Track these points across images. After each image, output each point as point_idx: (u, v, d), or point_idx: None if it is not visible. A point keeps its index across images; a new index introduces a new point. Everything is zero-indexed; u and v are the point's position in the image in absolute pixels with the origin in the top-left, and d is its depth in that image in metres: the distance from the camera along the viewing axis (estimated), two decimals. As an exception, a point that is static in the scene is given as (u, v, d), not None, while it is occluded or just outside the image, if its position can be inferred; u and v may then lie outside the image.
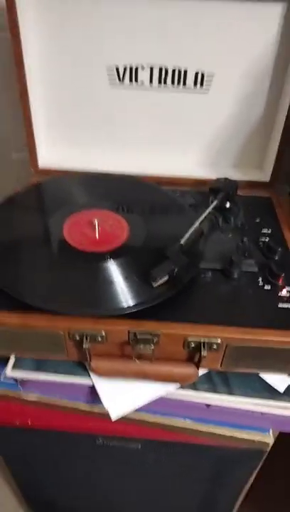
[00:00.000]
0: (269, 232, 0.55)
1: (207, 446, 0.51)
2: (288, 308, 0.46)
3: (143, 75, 0.60)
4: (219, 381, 0.48)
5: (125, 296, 0.43)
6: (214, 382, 0.48)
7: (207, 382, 0.48)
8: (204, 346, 0.43)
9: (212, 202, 0.56)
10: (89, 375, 0.47)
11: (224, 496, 0.64)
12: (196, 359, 0.45)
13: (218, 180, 0.59)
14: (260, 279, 0.48)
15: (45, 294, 0.44)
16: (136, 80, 0.60)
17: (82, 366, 0.49)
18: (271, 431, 0.49)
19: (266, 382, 0.48)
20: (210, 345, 0.43)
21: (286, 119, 0.60)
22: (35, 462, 0.63)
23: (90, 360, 0.45)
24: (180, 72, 0.60)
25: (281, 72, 0.59)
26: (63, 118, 0.65)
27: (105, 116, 0.64)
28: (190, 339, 0.43)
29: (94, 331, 0.43)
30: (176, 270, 0.44)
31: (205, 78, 0.60)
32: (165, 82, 0.61)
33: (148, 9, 0.54)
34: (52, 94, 0.63)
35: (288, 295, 0.47)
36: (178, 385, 0.47)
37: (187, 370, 0.45)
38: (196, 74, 0.60)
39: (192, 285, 0.46)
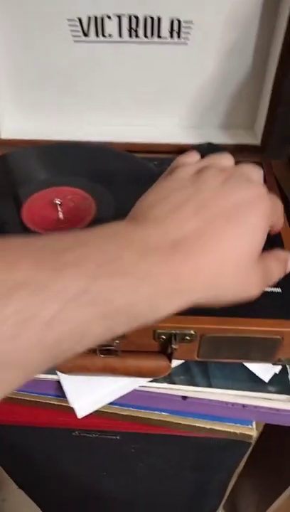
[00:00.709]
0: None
1: (189, 437, 0.48)
2: (271, 292, 0.41)
3: (111, 27, 0.52)
4: (197, 372, 0.44)
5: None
6: (192, 373, 0.44)
7: (185, 373, 0.44)
8: (175, 338, 0.39)
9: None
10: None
11: (213, 481, 0.62)
12: (169, 350, 0.41)
13: (199, 146, 0.53)
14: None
15: None
16: (103, 32, 0.53)
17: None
18: (254, 423, 0.46)
19: (250, 372, 0.44)
20: (182, 337, 0.39)
21: (276, 71, 0.52)
22: (13, 458, 0.61)
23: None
24: (153, 20, 0.52)
25: (270, 15, 0.50)
26: (26, 82, 0.58)
27: (71, 78, 0.57)
28: (159, 331, 0.39)
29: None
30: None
31: (183, 26, 0.52)
32: (136, 34, 0.53)
33: None
34: (13, 58, 0.55)
35: (272, 276, 0.42)
36: (149, 378, 0.43)
37: (158, 362, 0.41)
38: (171, 22, 0.52)
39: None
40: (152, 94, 0.58)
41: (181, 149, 0.58)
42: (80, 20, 0.52)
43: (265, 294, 0.41)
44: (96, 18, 0.52)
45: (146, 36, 0.53)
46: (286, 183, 0.61)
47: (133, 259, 0.23)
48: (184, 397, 0.44)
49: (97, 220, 0.45)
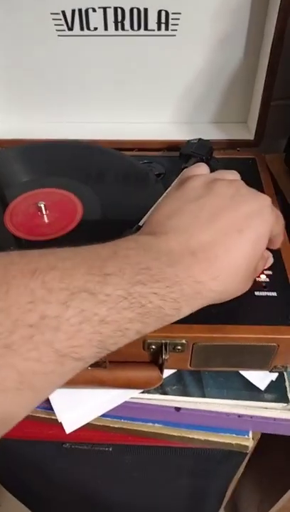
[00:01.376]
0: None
1: (184, 448, 0.46)
2: (266, 296, 0.39)
3: (96, 20, 0.50)
4: (191, 380, 0.42)
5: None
6: (185, 382, 0.42)
7: (177, 383, 0.42)
8: (166, 348, 0.37)
9: (183, 170, 0.48)
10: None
11: (211, 488, 0.60)
12: (160, 361, 0.39)
13: (189, 142, 0.51)
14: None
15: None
16: (88, 26, 0.50)
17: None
18: (250, 433, 0.44)
19: (245, 379, 0.42)
20: (173, 346, 0.37)
21: (269, 64, 0.50)
22: (4, 468, 0.59)
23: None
24: (139, 12, 0.50)
25: (261, 5, 0.48)
26: (10, 80, 0.55)
27: (57, 74, 0.54)
28: (149, 340, 0.37)
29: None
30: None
31: (171, 18, 0.50)
32: (123, 27, 0.51)
33: None
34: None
35: (267, 280, 0.40)
36: (140, 389, 0.41)
37: (149, 374, 0.39)
38: (159, 13, 0.50)
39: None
40: (141, 89, 0.56)
41: (173, 146, 0.56)
42: (64, 14, 0.50)
43: (260, 298, 0.39)
44: (80, 10, 0.49)
45: (132, 29, 0.51)
46: (282, 178, 0.59)
47: (161, 269, 0.27)
48: (177, 409, 0.42)
49: (83, 224, 0.43)
